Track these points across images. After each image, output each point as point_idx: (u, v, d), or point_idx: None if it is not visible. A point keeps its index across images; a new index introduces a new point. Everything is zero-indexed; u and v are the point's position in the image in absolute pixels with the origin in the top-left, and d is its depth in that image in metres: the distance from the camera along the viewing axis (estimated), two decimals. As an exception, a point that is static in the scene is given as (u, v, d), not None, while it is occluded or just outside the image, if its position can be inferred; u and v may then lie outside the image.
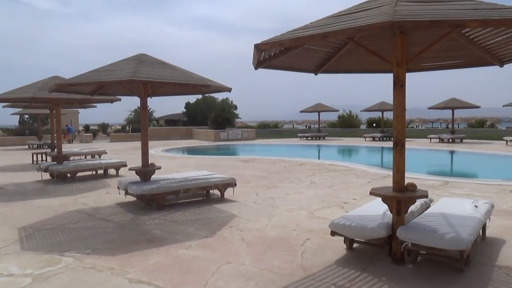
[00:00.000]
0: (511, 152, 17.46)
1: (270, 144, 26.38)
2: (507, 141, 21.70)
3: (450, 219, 4.59)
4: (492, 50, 4.98)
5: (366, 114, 37.59)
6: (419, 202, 5.51)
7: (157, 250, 5.10)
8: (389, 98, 28.39)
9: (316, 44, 5.21)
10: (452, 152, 19.62)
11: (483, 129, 33.82)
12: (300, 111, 30.87)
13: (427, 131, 32.93)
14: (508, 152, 17.78)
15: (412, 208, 5.25)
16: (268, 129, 40.00)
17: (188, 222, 6.48)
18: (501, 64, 5.10)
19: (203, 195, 8.37)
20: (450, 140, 24.28)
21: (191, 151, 22.26)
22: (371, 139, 27.33)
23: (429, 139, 25.43)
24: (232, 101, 40.33)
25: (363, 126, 40.45)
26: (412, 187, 4.51)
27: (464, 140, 24.61)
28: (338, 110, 32.26)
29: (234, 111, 39.82)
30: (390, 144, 24.74)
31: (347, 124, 38.66)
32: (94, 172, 12.08)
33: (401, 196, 4.36)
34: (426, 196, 4.45)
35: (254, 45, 3.87)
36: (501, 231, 5.68)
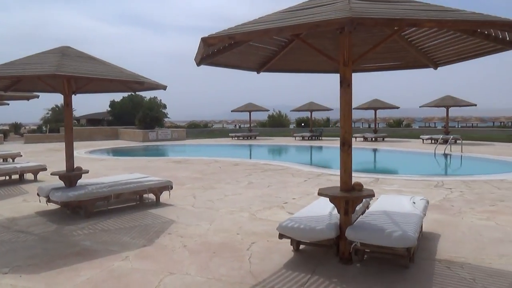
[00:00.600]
0: (427, 150, 18.82)
1: (201, 144, 25.91)
2: (423, 139, 23.47)
3: (394, 217, 4.68)
4: (428, 53, 5.18)
5: (295, 113, 38.65)
6: (361, 201, 5.59)
7: (89, 264, 4.58)
8: (316, 99, 29.38)
9: (262, 41, 5.04)
10: (376, 150, 20.73)
11: (401, 128, 36.36)
12: (232, 111, 30.76)
13: (352, 130, 34.55)
14: (425, 150, 19.16)
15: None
16: (199, 129, 39.39)
17: (122, 230, 5.97)
18: (436, 66, 5.33)
19: (137, 200, 7.82)
20: (374, 139, 25.70)
21: (118, 152, 21.04)
22: (301, 138, 28.03)
23: (355, 138, 26.68)
24: (160, 100, 39.08)
25: (292, 126, 41.46)
26: (359, 186, 4.52)
27: (385, 139, 26.20)
28: (269, 110, 32.73)
29: (163, 110, 38.63)
30: (319, 143, 25.67)
31: (277, 124, 39.35)
32: (7, 178, 10.82)
33: (349, 196, 4.34)
34: (373, 195, 4.49)
35: (201, 38, 3.57)
36: (435, 226, 5.96)
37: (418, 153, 18.60)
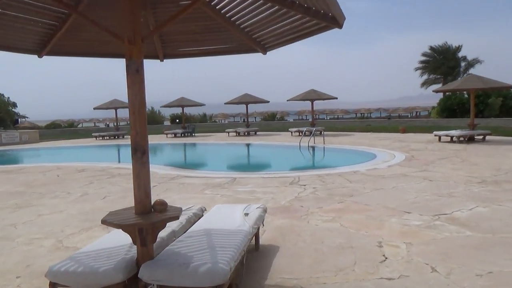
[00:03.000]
0: (295, 142, 18.89)
1: (56, 147, 22.63)
2: (291, 132, 23.93)
3: (213, 239, 3.69)
4: (253, 34, 4.29)
5: (169, 110, 36.85)
6: (185, 217, 4.53)
7: None
8: (187, 94, 28.10)
9: (25, 11, 3.58)
10: (243, 146, 20.35)
11: (274, 121, 37.27)
12: (94, 108, 27.72)
13: (227, 125, 34.28)
14: (292, 142, 19.28)
15: (174, 226, 4.22)
16: (60, 129, 35.04)
17: None
18: (264, 51, 4.49)
19: None
20: (246, 133, 25.48)
21: None
22: (173, 135, 26.53)
23: (227, 133, 26.18)
24: (9, 97, 33.60)
25: (167, 123, 39.54)
26: (162, 205, 3.40)
27: (258, 133, 26.21)
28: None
29: (13, 109, 33.35)
30: (191, 140, 24.50)
31: (149, 121, 37.01)
32: None
33: (143, 223, 3.18)
34: (177, 218, 3.39)
35: None
36: (275, 235, 5.21)
37: (285, 147, 18.67)
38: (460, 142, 15.72)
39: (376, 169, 10.41)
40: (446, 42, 39.80)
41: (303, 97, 23.60)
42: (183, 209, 4.92)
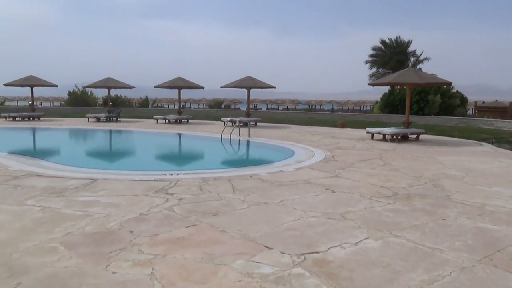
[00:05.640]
0: (218, 135, 16.72)
1: None
2: (224, 122, 21.84)
3: None
4: None
5: (103, 91, 33.64)
6: None
7: None
8: (114, 74, 25.32)
9: None
10: (156, 135, 18.13)
11: (215, 109, 35.04)
12: (5, 85, 24.32)
13: (163, 111, 31.78)
14: (217, 134, 17.07)
15: None
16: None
17: None
18: None
19: None
20: (176, 121, 23.17)
21: None
22: (96, 120, 23.77)
23: (156, 120, 23.77)
24: None
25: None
26: None
27: (190, 121, 23.98)
28: (57, 85, 26.94)
29: None
30: (113, 125, 21.87)
31: (81, 103, 33.70)
32: None
33: None
34: None
35: None
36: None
37: (204, 138, 16.65)
38: (393, 140, 14.37)
39: (281, 172, 8.65)
40: (399, 36, 39.04)
41: (237, 84, 21.57)
42: None
